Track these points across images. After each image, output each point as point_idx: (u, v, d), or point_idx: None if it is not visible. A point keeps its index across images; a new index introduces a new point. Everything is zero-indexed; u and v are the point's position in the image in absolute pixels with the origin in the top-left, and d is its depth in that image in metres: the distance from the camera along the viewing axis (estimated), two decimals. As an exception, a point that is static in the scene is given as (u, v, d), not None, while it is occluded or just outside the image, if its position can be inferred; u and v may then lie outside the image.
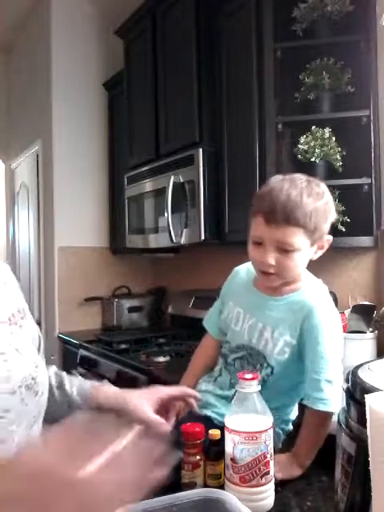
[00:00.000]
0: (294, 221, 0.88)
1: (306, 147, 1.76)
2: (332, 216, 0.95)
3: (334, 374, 0.92)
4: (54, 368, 1.01)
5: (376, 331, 1.55)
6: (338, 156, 1.75)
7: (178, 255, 2.79)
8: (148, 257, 3.06)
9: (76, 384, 0.94)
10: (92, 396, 0.90)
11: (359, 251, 1.80)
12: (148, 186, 2.42)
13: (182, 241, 2.12)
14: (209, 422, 1.00)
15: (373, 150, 1.71)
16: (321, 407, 0.91)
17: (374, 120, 1.70)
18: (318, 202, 0.91)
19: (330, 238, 0.97)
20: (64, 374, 0.98)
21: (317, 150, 1.73)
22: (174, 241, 2.13)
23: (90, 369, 2.33)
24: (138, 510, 0.66)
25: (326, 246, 0.97)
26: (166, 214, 2.14)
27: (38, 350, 0.94)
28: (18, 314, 0.87)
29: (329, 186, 1.84)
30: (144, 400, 0.89)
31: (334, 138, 1.75)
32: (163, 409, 0.93)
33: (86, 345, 2.45)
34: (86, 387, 0.93)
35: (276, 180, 0.94)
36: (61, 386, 0.93)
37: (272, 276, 0.95)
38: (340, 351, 0.96)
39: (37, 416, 0.79)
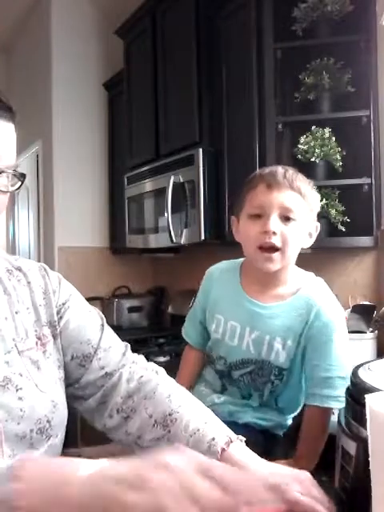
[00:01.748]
0: (296, 187, 0.89)
1: (305, 147, 1.76)
2: (319, 204, 0.97)
3: (346, 371, 0.88)
4: (142, 358, 0.87)
5: (376, 331, 1.55)
6: (338, 156, 1.75)
7: (178, 255, 2.79)
8: (148, 257, 3.06)
9: (194, 424, 0.70)
10: (217, 456, 0.66)
11: (359, 251, 1.80)
12: (148, 185, 2.42)
13: (182, 241, 2.12)
14: (250, 429, 0.95)
15: (373, 150, 1.70)
16: (333, 405, 0.88)
17: (374, 120, 1.70)
18: (310, 184, 0.94)
19: (318, 224, 0.97)
20: (176, 401, 0.75)
21: (317, 150, 1.73)
22: (174, 241, 2.13)
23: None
24: None
25: (315, 234, 0.97)
26: (165, 214, 2.14)
27: (99, 338, 0.84)
28: (51, 329, 0.79)
29: (329, 186, 1.86)
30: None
31: (333, 138, 1.75)
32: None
33: (86, 345, 2.45)
34: (206, 439, 0.68)
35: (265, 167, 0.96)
36: (165, 421, 0.72)
37: (274, 253, 0.89)
38: (348, 348, 0.94)
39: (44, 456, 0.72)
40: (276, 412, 1.00)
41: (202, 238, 2.01)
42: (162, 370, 0.85)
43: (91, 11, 3.01)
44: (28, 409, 0.70)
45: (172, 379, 0.83)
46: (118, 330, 2.78)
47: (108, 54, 3.04)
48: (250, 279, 0.98)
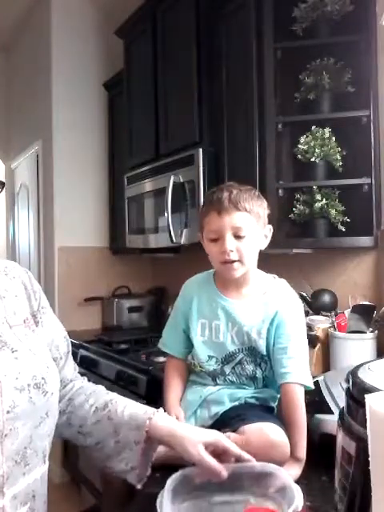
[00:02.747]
0: (242, 207, 1.03)
1: (305, 147, 1.76)
2: (266, 207, 1.09)
3: (298, 352, 1.05)
4: (101, 387, 1.01)
5: (376, 331, 1.55)
6: (338, 156, 1.75)
7: (178, 255, 2.79)
8: (148, 257, 3.06)
9: (129, 408, 0.90)
10: (145, 425, 0.85)
11: (359, 251, 1.80)
12: (148, 186, 2.42)
13: (182, 241, 2.12)
14: (249, 405, 1.06)
15: (373, 150, 1.70)
16: (289, 380, 1.01)
17: (374, 120, 1.70)
18: (253, 195, 1.07)
19: (271, 226, 1.10)
20: (115, 395, 0.95)
21: (317, 150, 1.73)
22: (174, 241, 2.13)
23: (90, 369, 2.33)
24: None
25: (269, 235, 1.10)
26: (166, 214, 2.14)
27: (67, 349, 0.99)
28: (33, 318, 0.90)
29: (329, 186, 1.86)
30: (200, 441, 0.82)
31: (333, 138, 1.75)
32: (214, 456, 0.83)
33: (86, 345, 2.45)
34: (139, 413, 0.88)
35: (214, 188, 1.10)
36: (106, 406, 0.90)
37: (235, 263, 1.04)
38: (304, 332, 1.09)
39: (44, 417, 0.79)
40: (266, 387, 1.11)
41: (202, 237, 2.01)
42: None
43: (91, 11, 3.02)
44: (24, 366, 0.78)
45: None
46: (118, 330, 2.79)
47: (108, 54, 3.05)
48: (223, 284, 1.12)
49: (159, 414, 0.87)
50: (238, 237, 1.03)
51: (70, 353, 1.01)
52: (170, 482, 0.76)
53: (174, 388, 1.16)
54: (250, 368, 1.09)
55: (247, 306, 1.08)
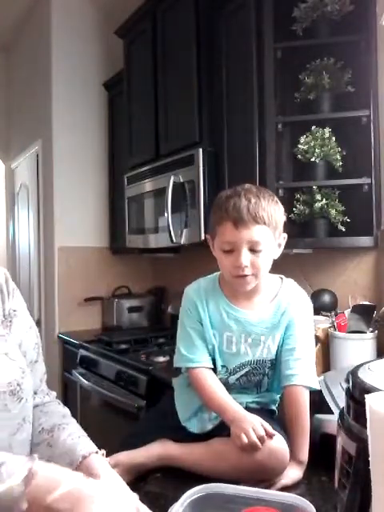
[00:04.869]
0: (261, 219, 0.96)
1: (305, 147, 1.76)
2: (283, 214, 1.04)
3: (307, 353, 1.04)
4: (54, 395, 0.96)
5: (376, 331, 1.55)
6: (338, 156, 1.75)
7: (178, 255, 2.79)
8: (148, 257, 3.06)
9: (72, 438, 0.82)
10: (78, 461, 0.78)
11: (359, 251, 1.80)
12: (148, 185, 2.42)
13: (182, 241, 2.12)
14: (250, 409, 1.02)
15: (373, 150, 1.70)
16: (298, 382, 1.00)
17: (374, 120, 1.70)
18: (272, 201, 1.01)
19: (285, 235, 1.05)
20: (71, 422, 0.88)
21: (317, 150, 1.73)
22: (174, 241, 2.13)
23: (90, 369, 2.33)
24: (229, 494, 0.76)
25: (283, 244, 1.05)
26: (165, 214, 2.14)
27: (36, 358, 0.93)
28: (7, 318, 0.87)
29: (329, 186, 1.86)
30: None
31: (333, 138, 1.75)
32: None
33: (86, 345, 2.45)
34: (77, 448, 0.80)
35: (229, 191, 1.02)
36: (52, 430, 0.84)
37: (248, 277, 1.00)
38: (312, 333, 1.08)
39: (22, 423, 0.78)
40: (267, 391, 1.11)
41: (202, 237, 2.01)
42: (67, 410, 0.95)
43: (91, 11, 3.02)
44: (0, 373, 0.76)
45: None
46: (118, 330, 2.79)
47: (108, 54, 3.04)
48: (231, 293, 1.08)
49: (96, 456, 0.80)
50: (254, 251, 0.98)
51: (40, 363, 0.94)
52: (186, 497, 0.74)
53: (223, 391, 1.02)
54: (255, 379, 1.08)
55: (260, 315, 1.06)
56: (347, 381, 0.67)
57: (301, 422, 0.98)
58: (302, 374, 1.01)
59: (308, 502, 0.74)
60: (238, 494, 0.77)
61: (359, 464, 0.57)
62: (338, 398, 1.03)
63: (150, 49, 2.39)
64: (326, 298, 1.76)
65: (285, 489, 0.89)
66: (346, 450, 0.61)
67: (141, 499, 0.71)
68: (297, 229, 1.86)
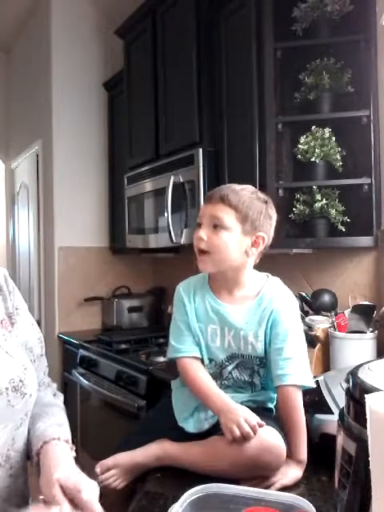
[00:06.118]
0: (227, 201, 1.02)
1: (305, 147, 1.76)
2: (271, 221, 1.06)
3: (298, 353, 1.03)
4: (55, 386, 0.99)
5: (376, 331, 1.55)
6: (338, 156, 1.75)
7: (178, 255, 2.79)
8: (148, 257, 3.06)
9: (47, 424, 0.85)
10: (39, 445, 0.80)
11: (359, 251, 1.80)
12: (148, 186, 2.42)
13: (182, 241, 2.12)
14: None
15: (373, 150, 1.70)
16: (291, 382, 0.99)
17: (374, 120, 1.70)
18: (257, 200, 1.04)
19: (264, 235, 1.04)
20: (56, 410, 0.91)
21: (317, 150, 1.73)
22: (174, 241, 2.13)
23: (90, 369, 2.33)
24: (229, 493, 0.76)
25: (262, 244, 1.05)
26: (165, 214, 2.14)
27: (41, 352, 0.95)
28: (9, 319, 0.88)
29: (329, 186, 1.86)
30: (57, 481, 0.73)
31: (333, 138, 1.75)
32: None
33: (86, 345, 2.45)
34: (46, 433, 0.82)
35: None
36: (35, 416, 0.86)
37: (204, 255, 1.05)
38: (300, 330, 1.07)
39: (24, 418, 0.80)
40: (263, 390, 1.11)
41: (202, 237, 2.01)
42: (60, 395, 0.99)
43: (91, 11, 3.02)
44: (1, 370, 0.77)
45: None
46: (118, 330, 2.79)
47: (108, 54, 3.05)
48: (217, 287, 1.11)
49: (60, 443, 0.80)
50: (214, 226, 1.03)
51: (44, 356, 0.98)
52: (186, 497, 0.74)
53: (209, 380, 1.05)
54: (246, 373, 1.08)
55: (241, 310, 1.07)
56: (347, 381, 0.67)
57: (295, 421, 0.98)
58: (293, 373, 1.00)
59: (308, 502, 0.74)
60: (238, 494, 0.77)
61: (359, 464, 0.57)
62: (338, 398, 1.03)
63: (150, 49, 2.39)
64: (326, 297, 1.76)
65: (285, 489, 0.89)
66: (346, 450, 0.61)
67: (141, 499, 0.71)
68: (297, 229, 1.86)
